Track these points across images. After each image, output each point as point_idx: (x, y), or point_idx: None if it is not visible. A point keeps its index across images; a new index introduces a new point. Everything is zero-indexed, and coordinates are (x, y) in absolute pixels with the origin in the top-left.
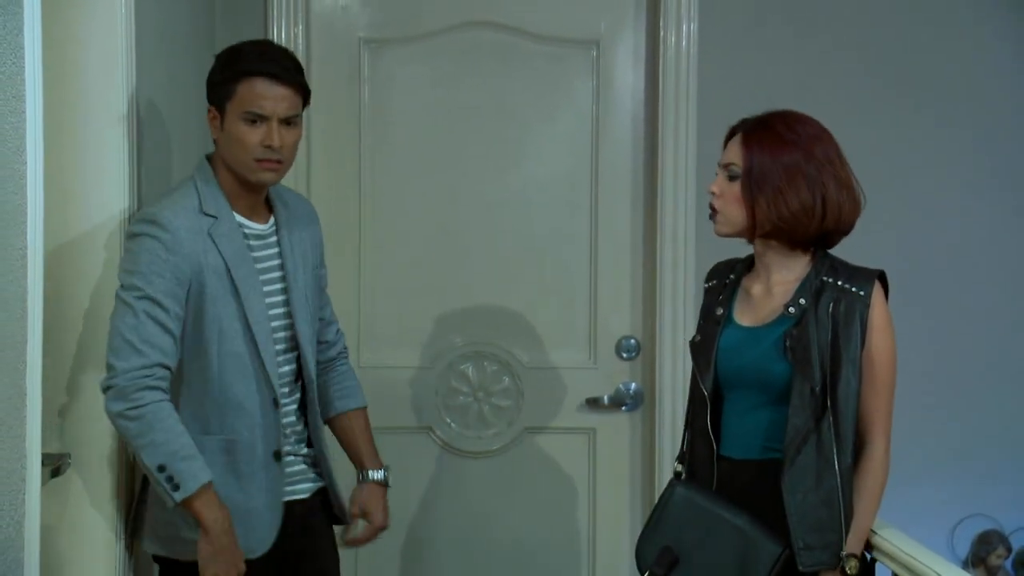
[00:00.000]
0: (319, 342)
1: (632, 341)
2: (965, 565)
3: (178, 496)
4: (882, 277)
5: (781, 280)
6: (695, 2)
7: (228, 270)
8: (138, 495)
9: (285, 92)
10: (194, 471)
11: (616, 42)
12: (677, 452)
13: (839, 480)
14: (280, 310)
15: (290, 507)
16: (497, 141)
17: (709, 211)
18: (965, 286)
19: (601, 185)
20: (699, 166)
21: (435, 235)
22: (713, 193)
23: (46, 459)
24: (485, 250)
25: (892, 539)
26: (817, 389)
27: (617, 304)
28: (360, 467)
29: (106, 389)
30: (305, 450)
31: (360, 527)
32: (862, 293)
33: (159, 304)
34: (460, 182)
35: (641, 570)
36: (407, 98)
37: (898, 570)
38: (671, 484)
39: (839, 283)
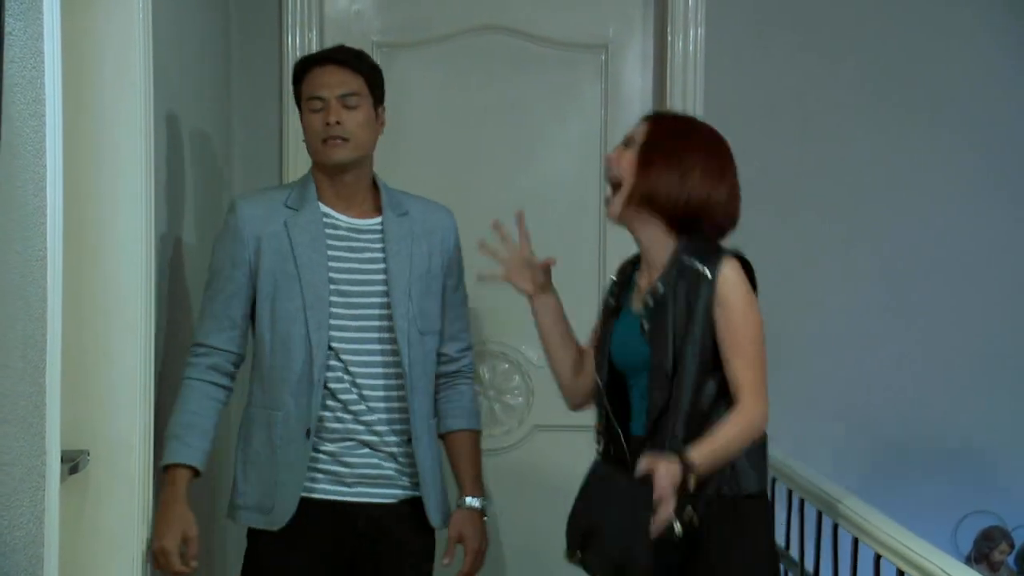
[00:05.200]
0: (440, 354)
1: None
2: (968, 561)
3: (161, 463)
4: (739, 257)
5: (656, 267)
6: (702, 8)
7: (294, 255)
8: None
9: (340, 74)
10: (170, 450)
11: (624, 46)
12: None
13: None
14: (380, 299)
15: (363, 507)
16: (507, 143)
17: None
18: (968, 286)
19: None
20: None
21: None
22: (610, 159)
23: (65, 456)
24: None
25: (896, 535)
26: (669, 369)
27: None
28: (460, 492)
29: None
30: (396, 449)
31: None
32: (709, 276)
33: (215, 297)
34: (471, 184)
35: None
36: (419, 101)
37: (903, 566)
38: (593, 463)
39: (694, 264)
